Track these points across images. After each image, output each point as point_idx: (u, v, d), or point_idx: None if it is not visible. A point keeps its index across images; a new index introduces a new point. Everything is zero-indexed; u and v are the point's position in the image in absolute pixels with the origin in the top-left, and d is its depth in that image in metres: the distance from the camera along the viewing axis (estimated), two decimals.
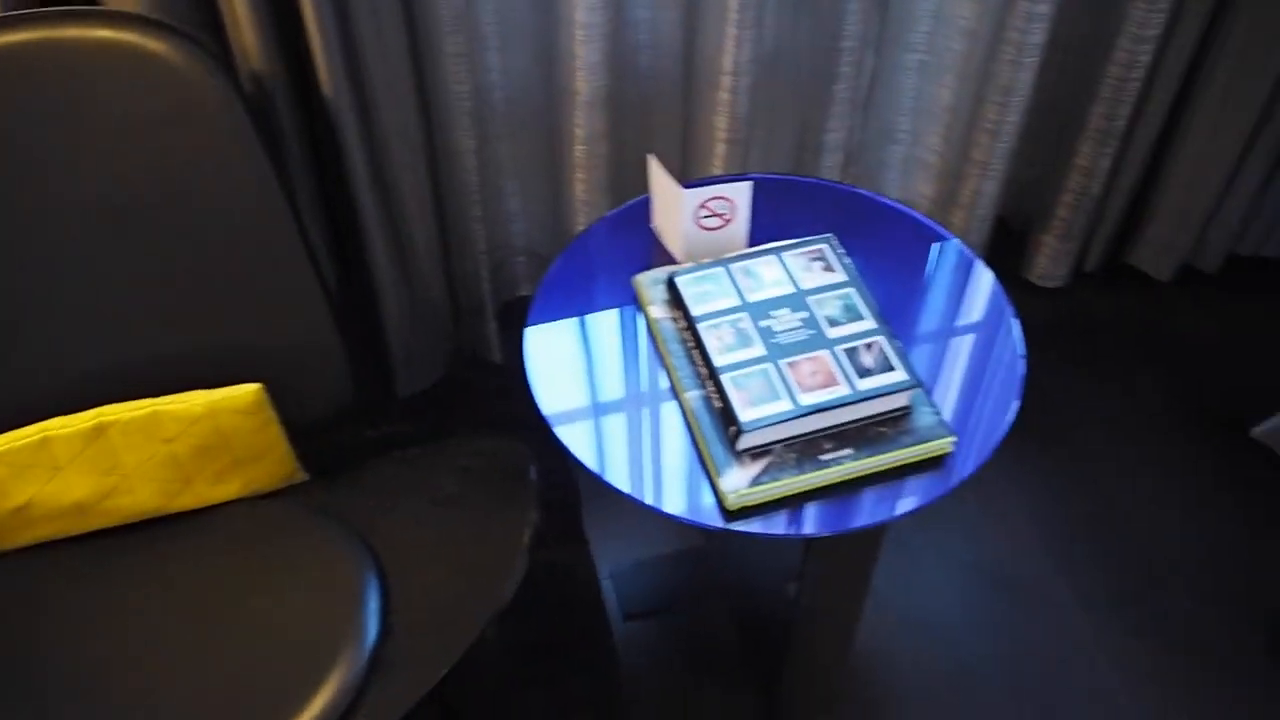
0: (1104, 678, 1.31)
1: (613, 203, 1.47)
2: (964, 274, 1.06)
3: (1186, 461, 1.52)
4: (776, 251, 1.02)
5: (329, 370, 1.05)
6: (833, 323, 0.95)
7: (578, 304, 1.03)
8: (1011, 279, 1.75)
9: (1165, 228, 1.67)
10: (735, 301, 0.97)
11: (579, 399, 0.94)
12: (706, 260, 1.03)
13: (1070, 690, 1.30)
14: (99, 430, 1.01)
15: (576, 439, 0.91)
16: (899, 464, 0.89)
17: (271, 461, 1.08)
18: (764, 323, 0.95)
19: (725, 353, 0.93)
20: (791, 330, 0.95)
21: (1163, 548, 1.42)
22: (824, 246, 1.03)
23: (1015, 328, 1.00)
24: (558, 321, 1.01)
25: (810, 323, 0.95)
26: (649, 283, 1.03)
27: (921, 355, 0.98)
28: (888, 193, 1.63)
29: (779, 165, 1.56)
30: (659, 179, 1.05)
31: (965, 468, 0.89)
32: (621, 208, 1.13)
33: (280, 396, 1.05)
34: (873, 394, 0.89)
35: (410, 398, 1.53)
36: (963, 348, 0.99)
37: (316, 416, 1.07)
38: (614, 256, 1.08)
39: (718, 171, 1.43)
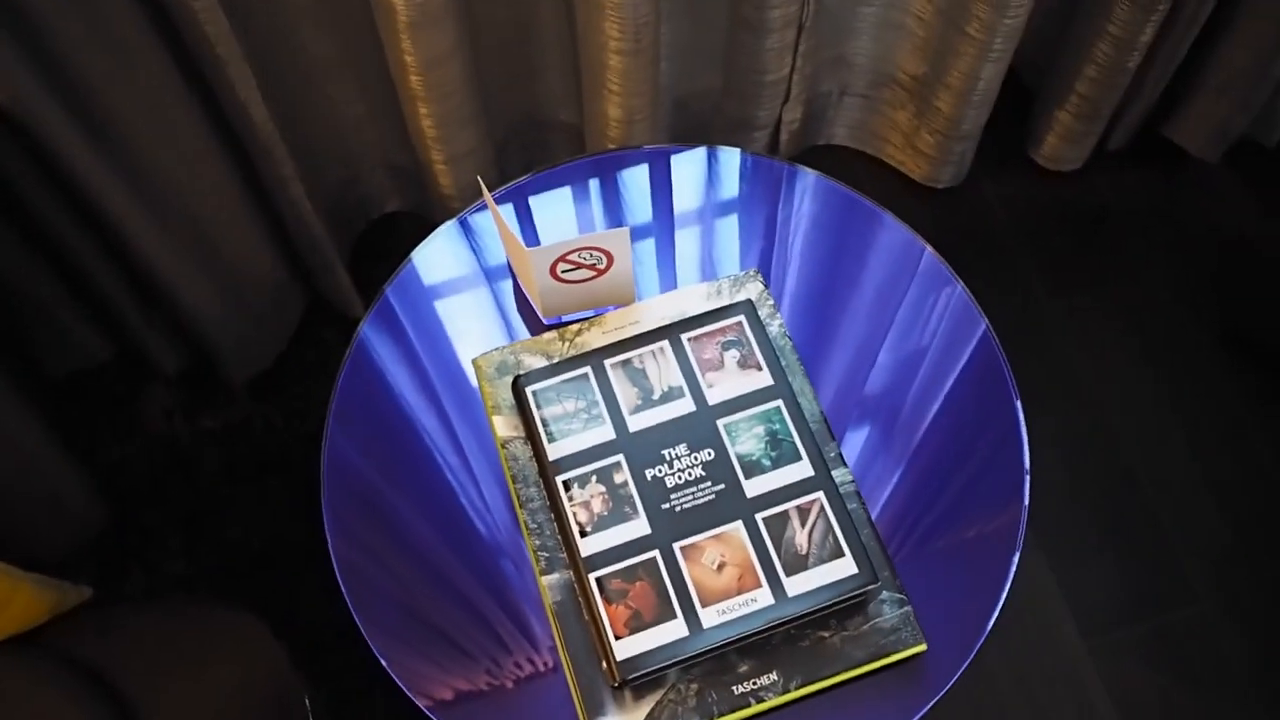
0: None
1: (480, 135, 1.09)
2: (954, 345, 0.73)
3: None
4: (675, 334, 0.69)
5: (54, 515, 0.75)
6: (751, 467, 0.64)
7: (389, 406, 0.71)
8: (1013, 156, 1.38)
9: (1212, 103, 1.28)
10: (609, 433, 0.66)
11: (396, 587, 0.65)
12: (574, 325, 0.70)
13: None
14: None
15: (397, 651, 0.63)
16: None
17: (17, 608, 0.80)
18: (651, 472, 0.64)
19: (595, 532, 0.63)
20: (690, 487, 0.64)
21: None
22: (740, 320, 0.69)
23: (1022, 437, 0.68)
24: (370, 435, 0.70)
25: (718, 470, 0.64)
26: (492, 373, 0.71)
27: (878, 474, 0.67)
28: (855, 62, 1.23)
29: (704, 65, 1.15)
30: (498, 217, 0.70)
31: (942, 673, 0.62)
32: (476, 207, 0.78)
33: None
34: (810, 608, 0.60)
35: (257, 378, 1.22)
36: (942, 473, 0.68)
37: (50, 559, 0.78)
38: (456, 298, 0.74)
39: (615, 88, 1.04)
